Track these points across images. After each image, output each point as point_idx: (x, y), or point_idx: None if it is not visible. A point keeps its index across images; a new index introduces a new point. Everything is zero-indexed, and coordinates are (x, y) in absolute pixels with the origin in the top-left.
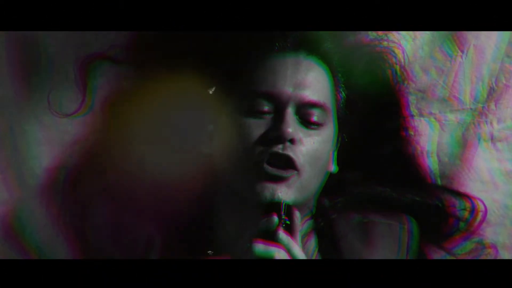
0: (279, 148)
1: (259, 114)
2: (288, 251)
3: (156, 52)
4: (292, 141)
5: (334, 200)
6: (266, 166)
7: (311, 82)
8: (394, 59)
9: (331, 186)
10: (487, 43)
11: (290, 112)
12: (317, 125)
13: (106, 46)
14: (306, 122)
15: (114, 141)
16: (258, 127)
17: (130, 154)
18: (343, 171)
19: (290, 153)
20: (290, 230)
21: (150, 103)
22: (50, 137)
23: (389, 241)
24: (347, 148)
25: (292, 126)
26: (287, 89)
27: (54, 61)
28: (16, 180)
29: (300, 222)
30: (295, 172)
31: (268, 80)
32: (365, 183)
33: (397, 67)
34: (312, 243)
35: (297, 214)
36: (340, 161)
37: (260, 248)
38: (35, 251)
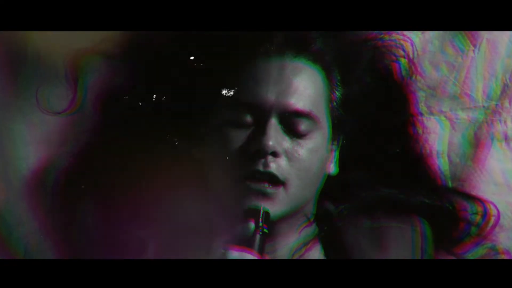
0: (260, 165)
1: (241, 125)
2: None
3: (148, 48)
4: (274, 154)
5: (339, 206)
6: (248, 183)
7: (297, 87)
8: (401, 52)
9: (335, 189)
10: (501, 37)
11: (272, 123)
12: (304, 134)
13: (98, 40)
14: (291, 131)
15: (106, 141)
16: (239, 139)
17: (122, 154)
18: (347, 173)
19: (272, 169)
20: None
21: (144, 101)
22: (37, 137)
23: (403, 245)
24: (351, 148)
25: (273, 138)
26: (270, 97)
27: (42, 56)
28: (1, 181)
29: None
30: (281, 188)
31: (250, 88)
32: (371, 186)
33: (404, 61)
34: (317, 252)
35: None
36: (344, 162)
37: (235, 255)
38: (21, 256)
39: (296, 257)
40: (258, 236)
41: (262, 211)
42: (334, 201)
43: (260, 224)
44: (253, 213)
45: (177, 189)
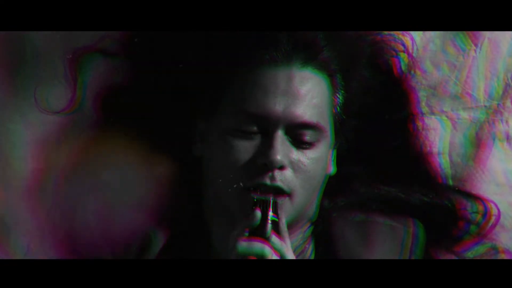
0: (267, 178)
1: (247, 135)
2: (281, 256)
3: (149, 45)
4: (281, 168)
5: (335, 199)
6: (253, 194)
7: (304, 98)
8: (401, 47)
9: (333, 185)
10: (503, 37)
11: (279, 135)
12: (310, 144)
13: (97, 38)
14: (297, 142)
15: (106, 140)
16: (245, 150)
17: (122, 152)
18: (345, 169)
19: (279, 183)
20: (277, 228)
21: (143, 99)
22: (36, 137)
23: (391, 243)
24: (351, 144)
25: (281, 152)
26: (277, 109)
27: (40, 55)
28: (0, 182)
29: (286, 228)
30: (286, 198)
31: (257, 99)
32: (369, 182)
33: (404, 55)
34: (310, 247)
35: (283, 220)
36: (342, 159)
37: (243, 245)
38: (21, 256)
39: (297, 253)
40: (268, 225)
41: (271, 200)
42: (332, 197)
43: (271, 213)
44: (261, 203)
45: (176, 186)
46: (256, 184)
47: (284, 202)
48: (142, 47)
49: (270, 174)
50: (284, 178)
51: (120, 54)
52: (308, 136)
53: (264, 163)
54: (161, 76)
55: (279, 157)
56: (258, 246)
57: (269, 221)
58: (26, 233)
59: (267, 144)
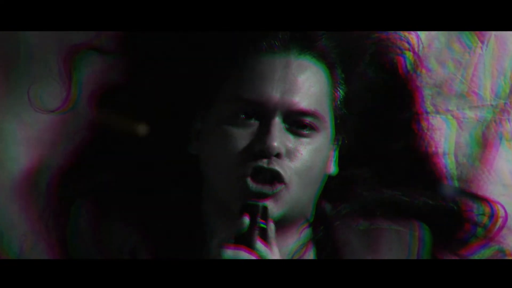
0: (264, 163)
1: (243, 122)
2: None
3: (145, 42)
4: (278, 155)
5: (338, 206)
6: (250, 182)
7: (302, 85)
8: (406, 45)
9: (334, 188)
10: (510, 33)
11: (277, 121)
12: (308, 132)
13: (92, 35)
14: (295, 130)
15: (101, 140)
16: (241, 137)
17: (117, 153)
18: (347, 171)
19: (276, 167)
20: (265, 236)
21: (140, 97)
22: (29, 136)
23: (398, 249)
24: (352, 145)
25: (278, 139)
26: (275, 96)
27: (34, 52)
28: None
29: (274, 234)
30: (283, 186)
31: (254, 85)
32: (372, 185)
33: (409, 54)
34: (311, 254)
35: (271, 226)
36: (344, 161)
37: (229, 253)
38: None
39: (295, 258)
40: (256, 233)
41: (260, 206)
42: (333, 201)
43: (258, 219)
44: (251, 208)
45: (172, 187)
46: (252, 168)
47: (280, 192)
48: (137, 44)
49: (266, 160)
50: (281, 166)
51: (115, 52)
52: (306, 124)
53: (261, 149)
54: (157, 73)
55: (276, 143)
56: (244, 255)
57: (257, 228)
58: (19, 235)
59: (264, 130)
